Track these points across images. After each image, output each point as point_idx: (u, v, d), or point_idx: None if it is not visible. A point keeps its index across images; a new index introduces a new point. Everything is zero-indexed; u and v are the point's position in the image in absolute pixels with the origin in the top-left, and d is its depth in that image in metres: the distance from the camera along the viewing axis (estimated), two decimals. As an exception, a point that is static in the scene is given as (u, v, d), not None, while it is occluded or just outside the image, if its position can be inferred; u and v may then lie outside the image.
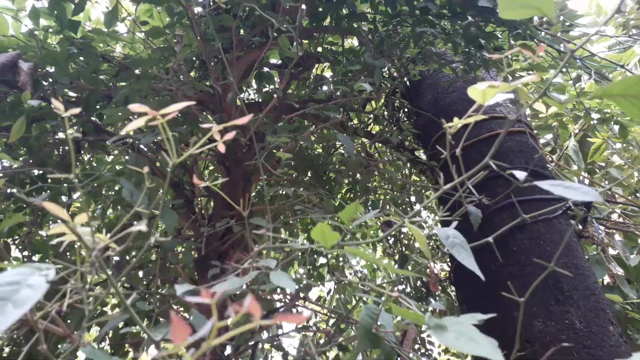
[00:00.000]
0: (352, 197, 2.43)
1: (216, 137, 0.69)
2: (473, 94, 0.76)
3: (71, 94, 1.95)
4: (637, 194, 3.16)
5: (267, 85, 2.64)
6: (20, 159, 2.09)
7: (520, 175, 0.75)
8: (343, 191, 2.52)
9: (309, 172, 1.96)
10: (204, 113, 2.21)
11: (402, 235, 2.96)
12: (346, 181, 2.40)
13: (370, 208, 2.61)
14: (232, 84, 2.24)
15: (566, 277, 1.91)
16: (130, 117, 1.59)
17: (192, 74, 2.50)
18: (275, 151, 1.53)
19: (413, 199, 3.21)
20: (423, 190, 3.21)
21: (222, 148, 0.64)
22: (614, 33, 4.29)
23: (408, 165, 3.02)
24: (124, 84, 1.65)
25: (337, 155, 2.27)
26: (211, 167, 2.58)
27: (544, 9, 0.60)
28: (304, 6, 1.58)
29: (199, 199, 1.62)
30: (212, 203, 1.79)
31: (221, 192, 0.90)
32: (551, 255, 2.04)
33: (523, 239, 2.12)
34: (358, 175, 2.25)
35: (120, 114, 1.40)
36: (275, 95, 1.60)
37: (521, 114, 2.43)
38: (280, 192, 1.60)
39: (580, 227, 2.39)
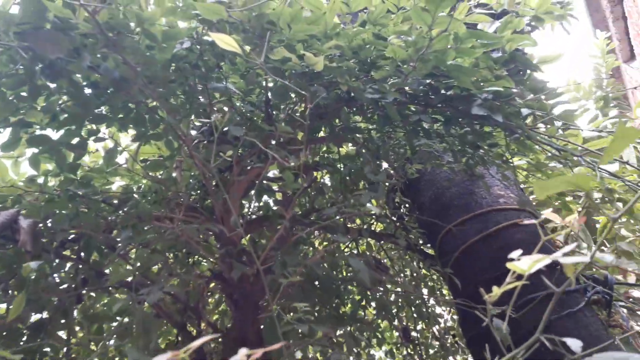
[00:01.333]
0: (363, 307, 2.34)
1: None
2: (514, 268, 0.71)
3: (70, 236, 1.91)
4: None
5: (269, 198, 2.64)
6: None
7: (576, 346, 0.68)
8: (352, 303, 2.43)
9: (317, 293, 1.89)
10: (205, 240, 2.17)
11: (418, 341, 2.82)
12: (358, 297, 2.32)
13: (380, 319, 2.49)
14: (233, 207, 2.23)
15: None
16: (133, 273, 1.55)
17: (193, 196, 2.50)
18: (283, 280, 1.47)
19: (425, 292, 3.10)
20: (435, 285, 3.11)
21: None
22: (594, 107, 4.44)
23: (417, 260, 2.95)
24: (125, 229, 1.62)
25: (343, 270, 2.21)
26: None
27: (581, 185, 0.57)
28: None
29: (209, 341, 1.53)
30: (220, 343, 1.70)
31: (230, 329, 0.83)
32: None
33: (549, 340, 2.01)
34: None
35: (121, 270, 1.35)
36: (279, 226, 1.57)
37: (530, 205, 2.40)
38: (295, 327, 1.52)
39: (606, 315, 2.28)
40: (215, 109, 2.18)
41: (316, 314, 2.03)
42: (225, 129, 2.22)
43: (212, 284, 1.92)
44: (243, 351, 0.51)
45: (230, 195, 2.24)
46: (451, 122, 1.95)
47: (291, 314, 1.53)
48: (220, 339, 1.68)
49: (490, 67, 1.96)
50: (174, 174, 2.31)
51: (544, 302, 2.04)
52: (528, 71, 2.19)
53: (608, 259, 0.72)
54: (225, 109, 2.23)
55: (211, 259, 1.84)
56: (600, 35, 4.69)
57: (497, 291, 0.74)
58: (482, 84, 1.95)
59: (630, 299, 2.73)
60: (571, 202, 2.74)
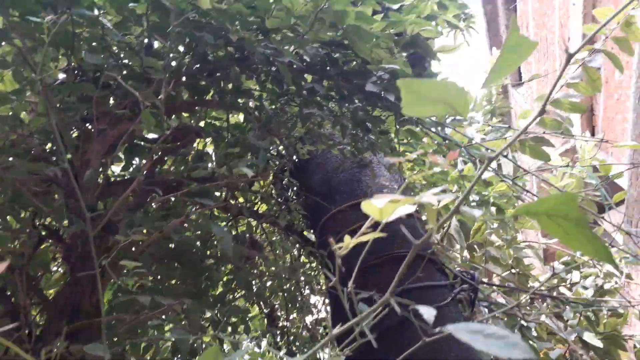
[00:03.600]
0: (232, 290, 2.17)
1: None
2: (368, 209, 0.59)
3: None
4: (512, 271, 3.30)
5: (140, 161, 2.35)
6: None
7: (429, 315, 0.58)
8: (221, 284, 2.24)
9: (176, 266, 1.68)
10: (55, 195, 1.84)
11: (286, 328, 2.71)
12: (225, 277, 2.14)
13: (250, 303, 2.34)
14: (92, 160, 1.93)
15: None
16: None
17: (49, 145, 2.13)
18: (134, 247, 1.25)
19: (302, 279, 3.01)
20: (313, 273, 3.03)
21: None
22: (482, 119, 4.70)
23: (297, 246, 2.84)
24: None
25: (214, 247, 2.02)
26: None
27: (457, 107, 0.45)
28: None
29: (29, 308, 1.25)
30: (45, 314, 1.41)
31: (58, 297, 0.62)
32: (446, 348, 1.93)
33: (416, 330, 2.00)
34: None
35: None
36: (137, 178, 1.34)
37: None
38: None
39: (469, 313, 2.35)
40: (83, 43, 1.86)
41: (177, 290, 1.82)
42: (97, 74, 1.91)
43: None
44: None
45: (90, 148, 1.93)
46: (345, 99, 1.85)
47: (135, 283, 1.31)
48: (43, 308, 1.40)
49: (390, 49, 1.89)
50: (21, 117, 1.95)
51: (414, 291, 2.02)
52: (427, 66, 2.18)
53: (477, 214, 0.61)
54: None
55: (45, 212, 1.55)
56: (495, 52, 4.99)
57: (348, 241, 0.62)
58: (381, 61, 1.88)
59: (492, 302, 2.88)
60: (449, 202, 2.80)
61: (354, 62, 1.76)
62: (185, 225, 1.77)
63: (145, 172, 1.82)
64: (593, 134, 7.16)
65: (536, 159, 2.73)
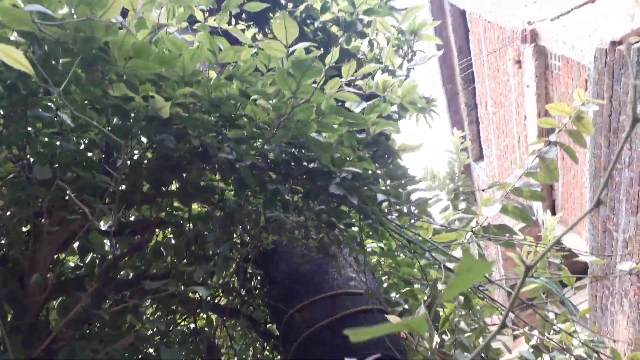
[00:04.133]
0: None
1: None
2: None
3: None
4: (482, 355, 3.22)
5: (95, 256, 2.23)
6: None
7: None
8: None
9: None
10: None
11: None
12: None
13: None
14: (40, 261, 1.82)
15: None
16: None
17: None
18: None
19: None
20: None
21: None
22: (446, 198, 4.77)
23: (260, 340, 2.70)
24: None
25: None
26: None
27: (418, 329, 0.42)
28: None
29: None
30: None
31: None
32: None
33: None
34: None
35: None
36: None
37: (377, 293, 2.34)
38: None
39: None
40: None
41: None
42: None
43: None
44: None
45: (39, 247, 1.83)
46: (310, 197, 1.83)
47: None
48: None
49: (353, 147, 1.91)
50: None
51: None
52: (390, 159, 2.21)
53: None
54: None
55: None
56: (456, 133, 5.18)
57: None
58: (346, 160, 1.89)
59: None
60: (417, 290, 2.76)
61: (318, 162, 1.76)
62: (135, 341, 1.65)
63: (100, 275, 1.72)
64: (554, 208, 7.40)
65: (502, 247, 2.75)
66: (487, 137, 8.69)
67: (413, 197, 2.25)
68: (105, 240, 1.94)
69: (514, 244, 2.68)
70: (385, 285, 2.56)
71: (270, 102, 1.47)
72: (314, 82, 1.41)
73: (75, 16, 1.09)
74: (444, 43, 8.00)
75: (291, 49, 1.41)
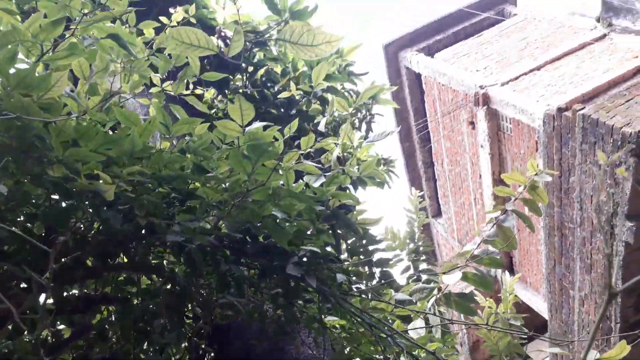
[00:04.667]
0: None
1: None
2: None
3: None
4: None
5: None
6: None
7: None
8: None
9: None
10: None
11: None
12: None
13: None
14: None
15: None
16: None
17: None
18: None
19: None
20: None
21: None
22: (406, 258, 4.75)
23: None
24: None
25: None
26: None
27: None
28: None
29: None
30: None
31: None
32: None
33: None
34: None
35: None
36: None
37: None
38: None
39: None
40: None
41: None
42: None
43: None
44: None
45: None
46: (266, 275, 1.74)
47: None
48: None
49: (312, 220, 1.85)
50: None
51: None
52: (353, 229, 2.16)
53: None
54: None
55: None
56: (414, 192, 5.24)
57: None
58: (304, 235, 1.82)
59: None
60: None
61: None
62: None
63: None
64: (512, 265, 7.52)
65: (463, 314, 2.71)
66: (444, 194, 8.88)
67: (375, 257, 2.21)
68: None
69: (475, 310, 2.65)
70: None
71: (225, 183, 1.41)
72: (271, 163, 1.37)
73: (12, 99, 1.01)
74: (401, 103, 8.28)
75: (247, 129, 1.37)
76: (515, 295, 4.46)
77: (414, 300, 2.49)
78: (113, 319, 2.27)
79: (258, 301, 1.86)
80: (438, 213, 9.14)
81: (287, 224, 1.66)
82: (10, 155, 1.10)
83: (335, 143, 2.02)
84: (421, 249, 4.89)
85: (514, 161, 6.72)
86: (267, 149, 1.28)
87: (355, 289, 1.81)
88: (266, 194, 1.36)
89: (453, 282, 2.54)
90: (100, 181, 1.33)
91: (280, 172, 1.67)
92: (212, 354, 2.51)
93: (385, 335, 1.57)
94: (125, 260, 2.13)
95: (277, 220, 1.46)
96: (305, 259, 1.62)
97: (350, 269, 1.73)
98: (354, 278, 1.74)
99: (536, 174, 2.71)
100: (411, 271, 4.52)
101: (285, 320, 1.97)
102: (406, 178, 9.03)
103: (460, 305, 2.70)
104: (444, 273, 2.88)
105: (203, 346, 2.51)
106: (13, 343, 1.97)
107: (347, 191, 2.17)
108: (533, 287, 7.18)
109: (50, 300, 2.11)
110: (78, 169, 1.24)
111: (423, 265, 5.00)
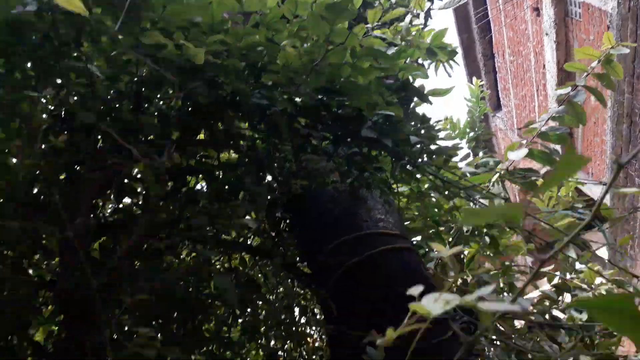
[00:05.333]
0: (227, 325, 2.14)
1: None
2: (417, 309, 0.60)
3: None
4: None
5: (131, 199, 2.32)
6: None
7: None
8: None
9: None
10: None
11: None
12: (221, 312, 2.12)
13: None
14: (81, 205, 1.91)
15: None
16: None
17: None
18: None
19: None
20: (309, 304, 3.03)
21: None
22: (467, 146, 4.79)
23: (292, 278, 2.83)
24: None
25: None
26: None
27: (513, 219, 0.48)
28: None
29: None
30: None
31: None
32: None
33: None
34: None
35: None
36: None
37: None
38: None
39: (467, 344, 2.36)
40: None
41: (174, 332, 1.79)
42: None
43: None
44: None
45: (80, 192, 1.92)
46: (340, 142, 1.88)
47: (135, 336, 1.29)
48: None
49: (381, 93, 1.93)
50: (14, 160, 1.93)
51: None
52: (412, 105, 2.22)
53: (525, 304, 0.63)
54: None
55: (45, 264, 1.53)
56: (475, 81, 5.11)
57: (391, 334, 0.64)
58: (376, 104, 1.91)
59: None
60: (443, 232, 2.83)
61: (347, 106, 1.79)
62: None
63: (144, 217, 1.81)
64: (573, 156, 7.33)
65: (523, 190, 2.79)
66: (504, 87, 8.53)
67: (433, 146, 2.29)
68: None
69: (537, 185, 2.72)
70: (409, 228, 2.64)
71: (304, 45, 1.49)
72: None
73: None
74: (461, -11, 7.73)
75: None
76: (577, 182, 4.44)
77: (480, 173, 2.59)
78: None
79: (332, 168, 2.01)
80: (497, 107, 8.86)
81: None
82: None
83: (406, 11, 2.02)
84: (481, 137, 4.88)
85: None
86: (345, 9, 1.34)
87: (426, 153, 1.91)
88: (344, 55, 1.44)
89: (518, 158, 2.60)
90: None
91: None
92: (288, 220, 2.78)
93: (459, 190, 1.69)
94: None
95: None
96: (379, 123, 1.72)
97: (421, 132, 1.82)
98: (427, 142, 1.83)
99: (612, 47, 2.60)
100: (471, 158, 4.58)
101: (357, 186, 2.14)
102: (465, 72, 8.70)
103: (524, 183, 2.77)
104: (509, 150, 2.93)
105: (279, 215, 2.78)
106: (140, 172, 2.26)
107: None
108: (595, 178, 7.06)
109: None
110: (171, 33, 1.36)
111: (482, 154, 5.03)
